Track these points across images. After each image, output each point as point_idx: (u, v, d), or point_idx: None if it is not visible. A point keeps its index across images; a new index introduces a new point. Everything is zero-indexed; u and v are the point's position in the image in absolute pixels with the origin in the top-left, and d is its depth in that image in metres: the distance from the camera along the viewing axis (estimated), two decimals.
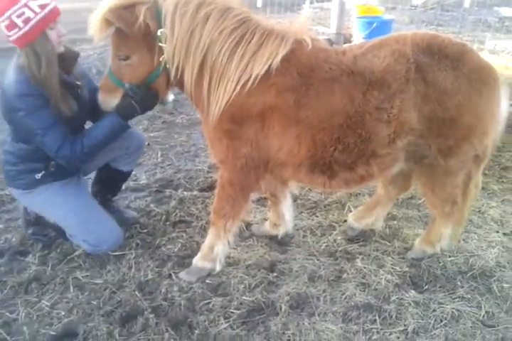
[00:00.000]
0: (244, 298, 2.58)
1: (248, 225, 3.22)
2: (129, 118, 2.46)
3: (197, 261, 2.72)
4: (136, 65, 2.20)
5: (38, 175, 2.60)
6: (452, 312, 2.54)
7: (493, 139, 2.42)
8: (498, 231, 3.29)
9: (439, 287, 2.75)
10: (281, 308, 2.52)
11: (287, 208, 2.95)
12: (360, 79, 2.14)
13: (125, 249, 2.93)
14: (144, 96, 2.29)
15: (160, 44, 2.15)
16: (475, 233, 3.24)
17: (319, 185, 2.51)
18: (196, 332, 2.36)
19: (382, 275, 2.82)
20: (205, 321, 2.42)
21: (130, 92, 2.26)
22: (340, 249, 3.05)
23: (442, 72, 2.14)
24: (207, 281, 2.70)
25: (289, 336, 2.36)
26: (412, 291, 2.71)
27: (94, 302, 2.53)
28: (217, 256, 2.68)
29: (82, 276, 2.72)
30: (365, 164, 2.30)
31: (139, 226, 3.21)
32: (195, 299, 2.57)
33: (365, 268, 2.87)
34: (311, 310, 2.54)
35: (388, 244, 3.12)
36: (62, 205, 2.66)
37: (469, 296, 2.67)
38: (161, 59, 2.19)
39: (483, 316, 2.53)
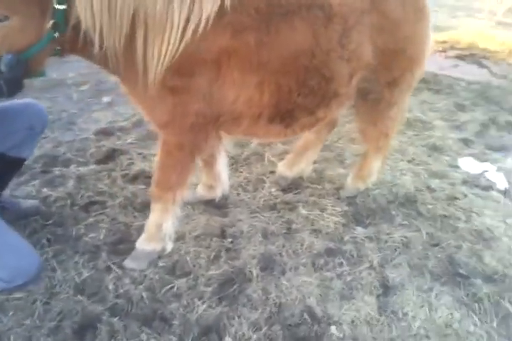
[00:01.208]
0: (209, 272, 2.31)
1: None
2: None
3: (142, 243, 2.32)
4: (17, 30, 1.57)
5: None
6: (401, 239, 2.70)
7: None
8: (402, 160, 3.58)
9: (379, 219, 2.89)
10: (252, 273, 2.34)
11: (223, 167, 2.68)
12: (320, 13, 1.93)
13: (36, 248, 2.32)
14: (17, 75, 1.66)
15: (56, 6, 1.58)
16: (386, 164, 3.46)
17: (273, 135, 2.33)
18: (175, 323, 2.04)
19: (328, 218, 2.83)
20: (178, 308, 2.11)
21: (2, 66, 1.60)
22: (278, 200, 2.95)
23: (393, 0, 2.07)
24: (160, 264, 2.34)
25: (273, 299, 2.21)
26: (359, 228, 2.80)
27: (28, 322, 1.98)
28: (166, 234, 2.32)
29: None
30: (326, 106, 2.17)
31: (40, 217, 2.58)
32: (154, 287, 2.20)
33: (309, 214, 2.84)
34: (280, 267, 2.42)
35: (319, 187, 3.14)
36: None
37: (406, 222, 2.88)
38: (49, 25, 1.61)
39: (426, 237, 2.75)
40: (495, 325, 2.20)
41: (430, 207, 3.05)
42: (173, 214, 2.30)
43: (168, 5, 1.65)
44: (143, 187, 2.93)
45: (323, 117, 2.25)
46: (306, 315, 2.15)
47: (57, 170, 3.02)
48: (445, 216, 2.98)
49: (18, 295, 2.10)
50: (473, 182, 3.41)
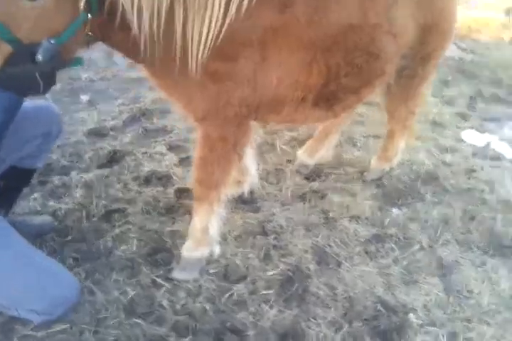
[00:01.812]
0: (266, 273, 2.13)
1: None
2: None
3: (189, 250, 2.09)
4: (51, 9, 1.27)
5: None
6: (439, 217, 2.66)
7: None
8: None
9: (411, 199, 2.83)
10: (309, 269, 2.19)
11: (251, 159, 2.49)
12: None
13: None
14: (55, 65, 1.39)
15: None
16: None
17: (313, 120, 2.18)
18: (249, 333, 1.85)
19: (361, 202, 2.73)
20: (247, 317, 1.92)
21: (39, 55, 1.30)
22: (306, 189, 2.81)
23: None
24: (211, 271, 2.12)
25: (342, 294, 2.07)
26: (394, 209, 2.73)
27: None
28: (213, 237, 2.11)
29: (32, 331, 1.79)
30: (371, 85, 2.04)
31: (56, 234, 2.27)
32: (214, 297, 1.99)
33: (342, 201, 2.72)
34: (334, 259, 2.29)
35: (342, 172, 3.02)
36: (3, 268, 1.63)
37: (436, 199, 2.84)
38: (82, 5, 1.33)
39: (460, 212, 2.72)
40: None
41: (453, 181, 3.03)
42: (218, 214, 2.09)
43: None
44: (161, 189, 2.67)
45: (366, 97, 2.12)
46: (379, 307, 2.03)
47: (56, 180, 2.68)
48: (469, 189, 2.97)
49: (59, 327, 1.81)
50: (482, 153, 3.44)
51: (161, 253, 2.22)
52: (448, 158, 3.32)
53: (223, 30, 1.51)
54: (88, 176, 2.72)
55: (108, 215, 2.44)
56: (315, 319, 1.94)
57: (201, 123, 1.85)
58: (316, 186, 2.84)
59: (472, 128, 3.81)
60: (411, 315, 2.01)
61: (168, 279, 2.07)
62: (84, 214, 2.42)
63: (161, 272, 2.10)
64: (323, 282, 2.13)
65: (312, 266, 2.20)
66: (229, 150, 1.91)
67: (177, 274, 2.06)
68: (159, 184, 2.74)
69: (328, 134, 2.88)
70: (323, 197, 2.76)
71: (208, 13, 1.47)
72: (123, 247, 2.23)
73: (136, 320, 1.86)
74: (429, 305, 2.08)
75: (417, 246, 2.43)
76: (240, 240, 2.33)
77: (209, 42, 1.51)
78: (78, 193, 2.58)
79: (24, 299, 1.70)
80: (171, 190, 2.66)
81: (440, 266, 2.32)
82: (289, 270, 2.16)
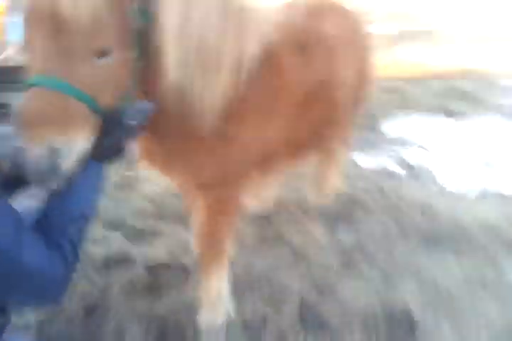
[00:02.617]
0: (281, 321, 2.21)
1: None
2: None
3: (210, 320, 2.07)
4: (119, 65, 1.25)
5: None
6: (378, 233, 3.07)
7: None
8: None
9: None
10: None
11: None
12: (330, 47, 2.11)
13: None
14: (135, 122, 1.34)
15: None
16: None
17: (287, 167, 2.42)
18: None
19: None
20: None
21: (125, 117, 1.29)
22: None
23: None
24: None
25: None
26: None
27: None
28: (228, 296, 2.14)
29: None
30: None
31: None
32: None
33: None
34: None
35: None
36: None
37: (367, 219, 3.26)
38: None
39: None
40: None
41: (372, 202, 3.50)
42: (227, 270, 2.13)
43: (223, 44, 1.51)
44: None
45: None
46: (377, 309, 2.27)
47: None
48: (391, 206, 3.49)
49: None
50: (379, 174, 4.05)
51: (170, 335, 2.13)
52: (356, 182, 3.82)
53: (234, 94, 1.59)
54: None
55: (89, 313, 2.25)
56: None
57: (207, 190, 1.87)
58: (272, 229, 3.03)
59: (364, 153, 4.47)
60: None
61: None
62: (62, 318, 2.19)
63: None
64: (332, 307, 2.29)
65: (312, 297, 2.35)
66: (233, 213, 2.00)
67: None
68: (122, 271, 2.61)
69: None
70: (281, 238, 2.95)
71: (223, 75, 1.53)
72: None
73: None
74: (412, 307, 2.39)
75: (380, 258, 2.76)
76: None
77: (220, 104, 1.57)
78: None
79: None
80: (138, 270, 2.56)
81: (405, 268, 2.68)
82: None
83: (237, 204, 1.98)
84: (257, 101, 1.73)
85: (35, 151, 1.09)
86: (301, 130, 2.04)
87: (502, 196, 3.70)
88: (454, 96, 6.78)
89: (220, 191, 1.89)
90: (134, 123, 1.31)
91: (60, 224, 1.24)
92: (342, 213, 3.29)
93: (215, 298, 2.07)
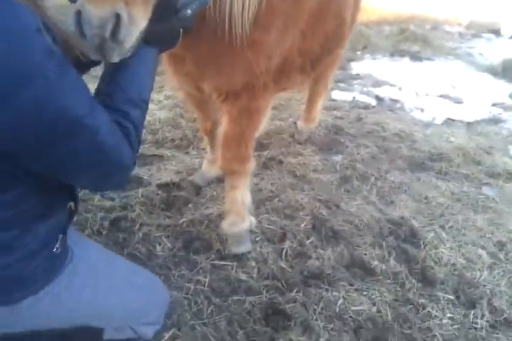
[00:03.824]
0: (298, 227, 2.28)
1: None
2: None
3: (235, 225, 2.07)
4: None
5: (57, 246, 1.17)
6: (365, 154, 3.18)
7: None
8: None
9: (339, 146, 3.28)
10: (323, 214, 2.42)
11: None
12: None
13: None
14: (189, 11, 1.20)
15: None
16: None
17: (297, 84, 2.37)
18: (327, 272, 2.00)
19: (309, 158, 3.05)
20: (314, 262, 2.06)
21: (180, 4, 1.15)
22: (263, 159, 2.98)
23: None
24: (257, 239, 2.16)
25: (359, 223, 2.37)
26: (335, 157, 3.14)
27: None
28: (250, 206, 2.16)
29: None
30: (342, 46, 2.39)
31: None
32: (277, 256, 2.06)
33: (297, 161, 2.99)
34: (332, 203, 2.56)
35: (277, 140, 3.27)
36: (115, 284, 1.36)
37: (354, 144, 3.36)
38: None
39: (376, 150, 3.31)
40: None
41: (353, 129, 3.60)
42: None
43: None
44: (141, 189, 2.49)
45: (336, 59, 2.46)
46: (389, 225, 2.41)
47: None
48: (368, 132, 3.59)
49: (171, 333, 1.66)
50: (356, 105, 4.13)
51: (196, 242, 2.14)
52: (335, 113, 3.89)
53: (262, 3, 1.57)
54: None
55: (114, 225, 2.19)
56: (359, 246, 2.20)
57: (239, 94, 1.81)
58: (268, 154, 3.03)
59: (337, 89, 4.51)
60: (414, 222, 2.44)
61: (224, 259, 2.04)
62: (89, 231, 2.12)
63: (213, 256, 2.05)
64: (341, 220, 2.39)
65: (324, 211, 2.43)
66: (261, 120, 1.97)
67: (236, 249, 2.04)
68: (134, 186, 2.54)
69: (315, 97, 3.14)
70: (280, 161, 2.97)
71: None
72: (159, 247, 2.07)
73: (235, 297, 1.82)
74: (413, 214, 2.55)
75: (373, 178, 2.88)
76: (255, 209, 2.40)
77: (251, 12, 1.55)
78: None
79: (141, 311, 1.50)
80: (153, 188, 2.51)
81: (397, 186, 2.83)
82: (311, 219, 2.36)
83: (261, 115, 1.94)
84: (281, 7, 1.70)
85: (97, 14, 0.94)
86: (314, 42, 2.01)
87: (464, 122, 3.97)
88: (407, 39, 6.94)
89: (246, 99, 1.84)
90: (188, 12, 1.19)
91: (123, 107, 1.10)
92: (329, 139, 3.35)
93: (241, 206, 2.08)
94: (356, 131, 3.56)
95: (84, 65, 1.20)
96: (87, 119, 0.94)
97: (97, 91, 1.13)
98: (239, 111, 1.88)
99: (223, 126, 1.96)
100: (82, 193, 2.38)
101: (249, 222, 2.12)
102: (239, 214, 2.09)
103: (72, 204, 1.26)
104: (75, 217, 1.36)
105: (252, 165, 2.08)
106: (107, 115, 1.03)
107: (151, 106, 2.23)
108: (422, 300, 1.90)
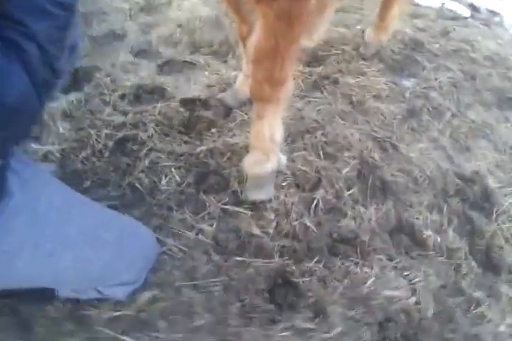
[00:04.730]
0: (339, 173, 1.77)
1: None
2: None
3: (258, 165, 1.58)
4: None
5: None
6: (446, 80, 2.43)
7: None
8: None
9: (412, 68, 2.52)
10: (374, 158, 1.86)
11: None
12: None
13: None
14: None
15: None
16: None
17: None
18: (361, 238, 1.53)
19: (374, 79, 2.36)
20: (350, 222, 1.58)
21: None
22: (315, 77, 2.33)
23: None
24: (283, 184, 1.69)
25: (420, 176, 1.81)
26: (405, 81, 2.42)
27: None
28: (280, 144, 1.63)
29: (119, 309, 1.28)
30: None
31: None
32: (303, 210, 1.60)
33: (357, 82, 2.32)
34: (388, 143, 1.97)
35: (339, 52, 2.55)
36: (67, 242, 1.03)
37: (435, 64, 2.57)
38: None
39: (462, 75, 2.52)
40: None
41: (437, 45, 2.76)
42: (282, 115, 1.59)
43: None
44: (161, 104, 2.01)
45: None
46: (457, 180, 1.83)
47: None
48: (455, 51, 2.74)
49: (149, 295, 1.32)
50: (442, 15, 3.17)
51: (211, 178, 1.71)
52: (418, 23, 3.00)
53: None
54: (61, 105, 1.94)
55: (120, 146, 1.79)
56: (412, 207, 1.68)
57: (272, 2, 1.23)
58: (322, 71, 2.38)
59: None
60: (490, 181, 1.84)
61: (239, 204, 1.61)
62: (88, 152, 1.74)
63: (227, 199, 1.62)
64: (396, 168, 1.83)
65: (376, 155, 1.87)
66: (302, 31, 1.35)
67: (253, 195, 1.60)
68: (153, 99, 2.06)
69: (323, 8, 2.33)
70: (335, 81, 2.32)
71: None
72: (164, 180, 1.66)
73: (239, 258, 1.43)
74: (491, 169, 1.93)
75: (449, 114, 2.20)
76: (290, 143, 1.88)
77: None
78: (61, 128, 1.84)
79: (107, 272, 1.16)
80: (175, 104, 2.02)
81: (478, 128, 2.15)
82: (357, 164, 1.81)
83: (304, 22, 1.31)
84: None
85: None
86: None
87: None
88: None
89: (285, 4, 1.23)
90: None
91: (17, 14, 0.66)
92: (402, 57, 2.59)
93: (267, 141, 1.56)
94: (439, 48, 2.73)
95: None
96: None
97: None
98: (276, 16, 1.27)
99: (255, 35, 1.37)
100: (91, 105, 1.97)
101: (276, 161, 1.61)
102: (264, 151, 1.58)
103: None
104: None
105: (288, 90, 1.50)
106: None
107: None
108: (478, 293, 1.41)
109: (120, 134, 1.83)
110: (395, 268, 1.45)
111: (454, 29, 2.97)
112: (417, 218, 1.63)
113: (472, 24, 3.13)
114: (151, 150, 1.77)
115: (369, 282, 1.40)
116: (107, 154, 1.75)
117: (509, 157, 2.00)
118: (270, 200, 1.60)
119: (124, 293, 1.26)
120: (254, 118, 1.55)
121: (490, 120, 2.20)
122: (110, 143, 1.79)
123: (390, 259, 1.48)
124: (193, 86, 2.17)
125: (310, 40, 2.39)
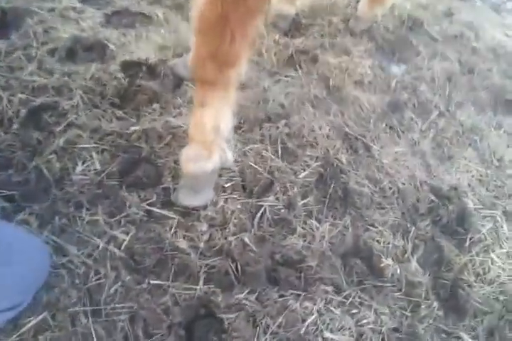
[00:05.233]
0: (295, 176, 1.45)
1: None
2: None
3: (196, 161, 1.24)
4: None
5: None
6: (440, 70, 2.09)
7: None
8: None
9: (404, 51, 2.17)
10: (341, 161, 1.55)
11: None
12: None
13: None
14: None
15: None
16: None
17: None
18: (307, 262, 1.26)
19: (359, 62, 2.00)
20: (298, 240, 1.30)
21: None
22: (291, 50, 1.95)
23: None
24: (225, 186, 1.37)
25: (389, 187, 1.52)
26: (394, 67, 2.09)
27: None
28: (226, 137, 1.29)
29: None
30: None
31: None
32: (246, 222, 1.30)
33: (339, 62, 1.96)
34: (360, 142, 1.66)
35: (324, 22, 2.16)
36: None
37: (431, 50, 2.23)
38: None
39: (458, 66, 2.18)
40: None
41: (438, 28, 2.40)
42: (233, 103, 1.23)
43: None
44: (97, 65, 1.61)
45: None
46: (431, 196, 1.55)
47: None
48: (456, 36, 2.38)
49: (34, 321, 1.02)
50: None
51: (141, 168, 1.38)
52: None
53: None
54: None
55: (34, 117, 1.41)
56: (374, 226, 1.40)
57: None
58: (301, 44, 1.99)
59: None
60: (469, 200, 1.57)
61: (168, 206, 1.30)
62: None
63: (154, 198, 1.30)
64: (363, 175, 1.53)
65: (343, 157, 1.56)
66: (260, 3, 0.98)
67: (185, 199, 1.27)
68: (89, 58, 1.66)
69: None
70: (314, 59, 1.95)
71: None
72: (80, 167, 1.32)
73: (154, 281, 1.13)
74: (473, 184, 1.66)
75: (436, 112, 1.89)
76: (244, 132, 1.54)
77: None
78: None
79: None
80: (114, 67, 1.62)
81: (465, 132, 1.85)
82: (319, 166, 1.50)
83: None
84: None
85: None
86: None
87: None
88: None
89: None
90: None
91: None
92: (396, 37, 2.22)
93: (209, 134, 1.21)
94: (439, 31, 2.37)
95: None
96: None
97: None
98: None
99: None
100: (11, 59, 1.55)
101: (219, 159, 1.28)
102: (205, 145, 1.24)
103: None
104: None
105: (238, 74, 1.14)
106: None
107: None
108: None
109: (38, 101, 1.44)
110: (342, 304, 1.19)
111: (459, 11, 2.60)
112: (377, 241, 1.36)
113: (480, 8, 2.76)
114: (70, 125, 1.41)
115: (308, 320, 1.13)
116: (16, 125, 1.37)
117: (495, 171, 1.73)
118: (206, 207, 1.29)
119: (4, 319, 0.96)
120: (196, 105, 1.19)
121: (481, 124, 1.91)
122: (23, 112, 1.40)
123: (338, 292, 1.21)
124: (143, 45, 1.76)
125: (292, 5, 1.99)
